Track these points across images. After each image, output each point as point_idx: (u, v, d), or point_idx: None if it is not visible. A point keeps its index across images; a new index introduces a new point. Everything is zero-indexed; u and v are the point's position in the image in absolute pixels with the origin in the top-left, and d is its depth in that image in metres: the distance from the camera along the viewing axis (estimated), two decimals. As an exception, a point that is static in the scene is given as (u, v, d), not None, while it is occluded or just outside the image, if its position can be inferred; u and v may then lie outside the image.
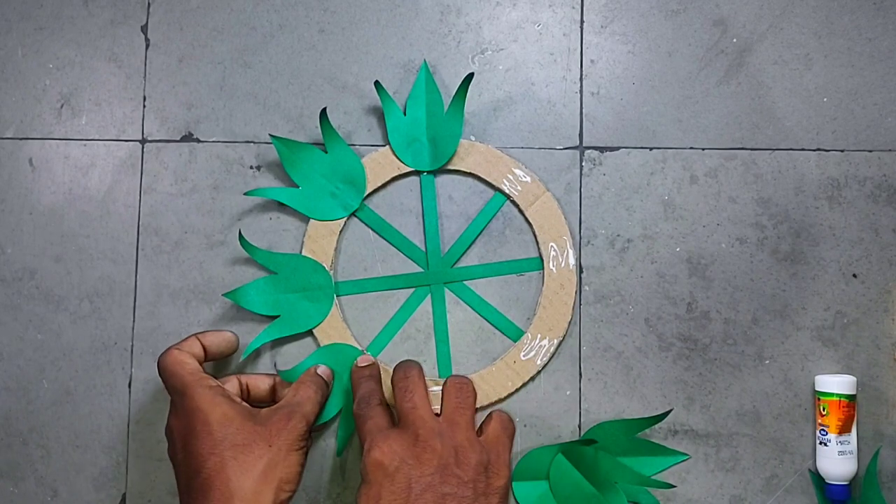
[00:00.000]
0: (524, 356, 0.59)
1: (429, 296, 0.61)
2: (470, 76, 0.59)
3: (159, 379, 0.56)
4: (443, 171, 0.61)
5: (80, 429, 0.61)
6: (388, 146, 0.61)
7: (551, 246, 0.60)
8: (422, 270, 0.61)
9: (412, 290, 0.61)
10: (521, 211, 0.60)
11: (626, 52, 0.61)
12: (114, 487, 0.61)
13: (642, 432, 0.58)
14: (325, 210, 0.60)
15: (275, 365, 0.60)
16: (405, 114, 0.60)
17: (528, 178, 0.60)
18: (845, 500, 0.57)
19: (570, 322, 0.59)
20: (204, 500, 0.50)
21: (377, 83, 0.59)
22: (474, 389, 0.57)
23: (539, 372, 0.59)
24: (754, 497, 0.59)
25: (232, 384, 0.57)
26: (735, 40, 0.61)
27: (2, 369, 0.61)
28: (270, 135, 0.60)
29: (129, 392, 0.61)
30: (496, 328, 0.60)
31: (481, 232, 0.61)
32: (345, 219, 0.61)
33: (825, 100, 0.61)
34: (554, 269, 0.60)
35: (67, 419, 0.61)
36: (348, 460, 0.60)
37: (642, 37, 0.61)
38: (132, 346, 0.61)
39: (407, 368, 0.56)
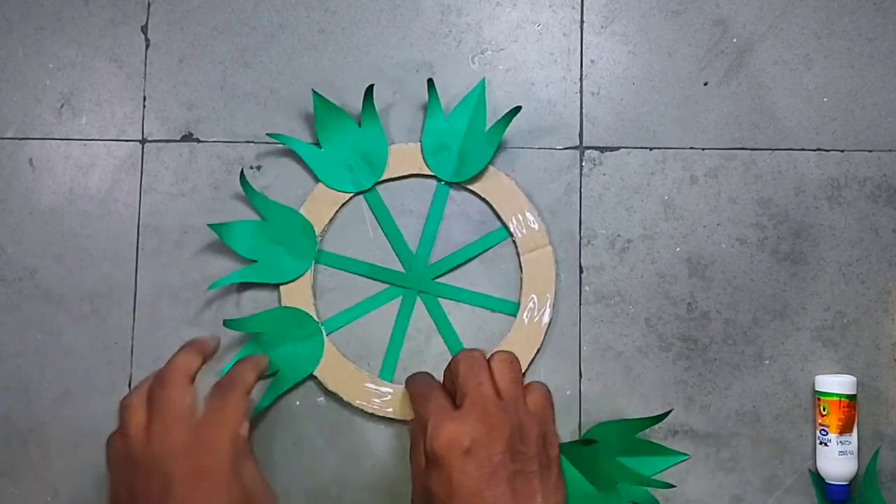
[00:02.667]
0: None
1: (400, 298, 0.60)
2: (517, 108, 0.58)
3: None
4: (460, 186, 0.61)
5: (80, 429, 0.61)
6: (419, 144, 0.61)
7: (531, 297, 0.59)
8: (403, 272, 0.61)
9: (386, 286, 0.61)
10: (517, 253, 0.60)
11: (627, 52, 0.61)
12: (114, 487, 0.61)
13: (642, 432, 0.58)
14: (336, 178, 0.60)
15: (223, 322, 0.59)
16: (447, 118, 0.60)
17: (536, 226, 0.60)
18: (845, 500, 0.57)
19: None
20: None
21: (430, 81, 0.59)
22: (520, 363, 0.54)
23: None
24: (754, 497, 0.59)
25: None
26: (735, 40, 0.61)
27: (2, 369, 0.61)
28: (312, 90, 0.60)
29: (130, 392, 0.61)
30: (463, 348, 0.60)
31: (473, 258, 0.60)
32: (352, 194, 0.61)
33: (825, 100, 0.61)
34: (526, 319, 0.59)
35: (67, 419, 0.61)
36: (348, 460, 0.60)
37: (642, 37, 0.61)
38: (132, 346, 0.61)
39: (471, 351, 0.53)
